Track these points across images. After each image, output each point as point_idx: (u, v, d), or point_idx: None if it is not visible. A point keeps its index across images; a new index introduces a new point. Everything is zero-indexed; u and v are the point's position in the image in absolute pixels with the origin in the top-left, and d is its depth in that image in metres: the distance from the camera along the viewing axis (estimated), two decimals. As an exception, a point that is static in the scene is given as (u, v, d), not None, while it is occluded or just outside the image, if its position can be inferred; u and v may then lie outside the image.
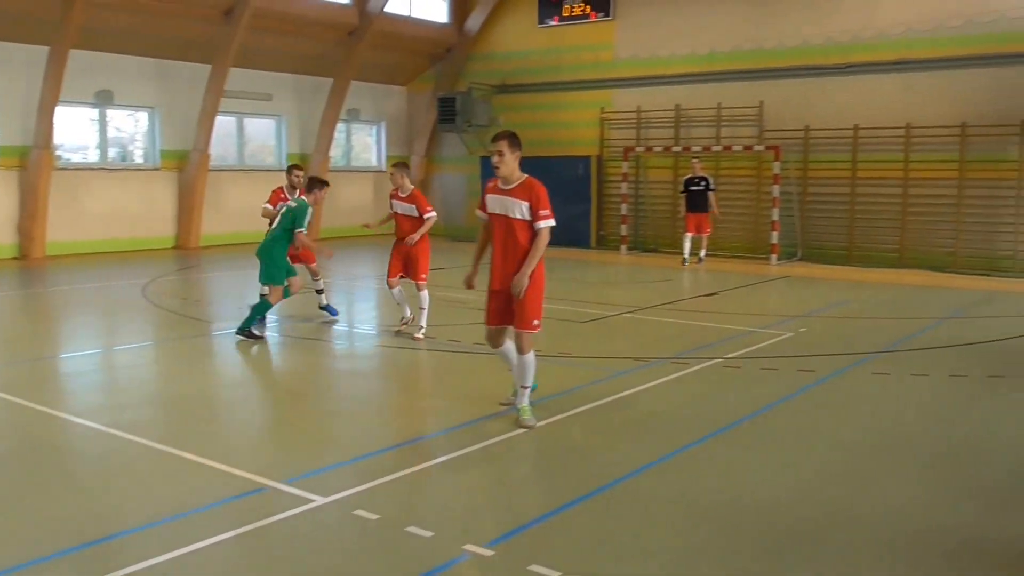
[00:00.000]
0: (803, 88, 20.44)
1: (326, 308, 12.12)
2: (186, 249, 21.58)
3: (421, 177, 27.24)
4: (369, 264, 19.52)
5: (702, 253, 19.33)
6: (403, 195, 11.10)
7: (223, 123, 22.53)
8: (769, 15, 20.85)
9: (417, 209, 11.00)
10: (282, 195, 11.71)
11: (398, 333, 11.03)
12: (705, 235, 19.27)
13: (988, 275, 17.74)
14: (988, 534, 5.19)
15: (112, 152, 21.55)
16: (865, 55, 19.61)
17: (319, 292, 12.20)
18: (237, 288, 14.90)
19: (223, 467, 6.12)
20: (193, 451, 6.43)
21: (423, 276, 10.98)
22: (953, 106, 18.66)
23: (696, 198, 18.97)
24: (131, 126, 22.04)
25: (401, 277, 11.08)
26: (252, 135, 24.40)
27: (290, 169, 11.98)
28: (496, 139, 7.28)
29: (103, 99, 20.50)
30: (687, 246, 19.18)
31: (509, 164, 7.23)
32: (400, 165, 11.24)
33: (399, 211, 11.13)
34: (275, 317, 12.28)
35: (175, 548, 4.78)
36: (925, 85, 18.99)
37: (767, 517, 5.37)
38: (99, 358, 10.15)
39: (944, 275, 17.91)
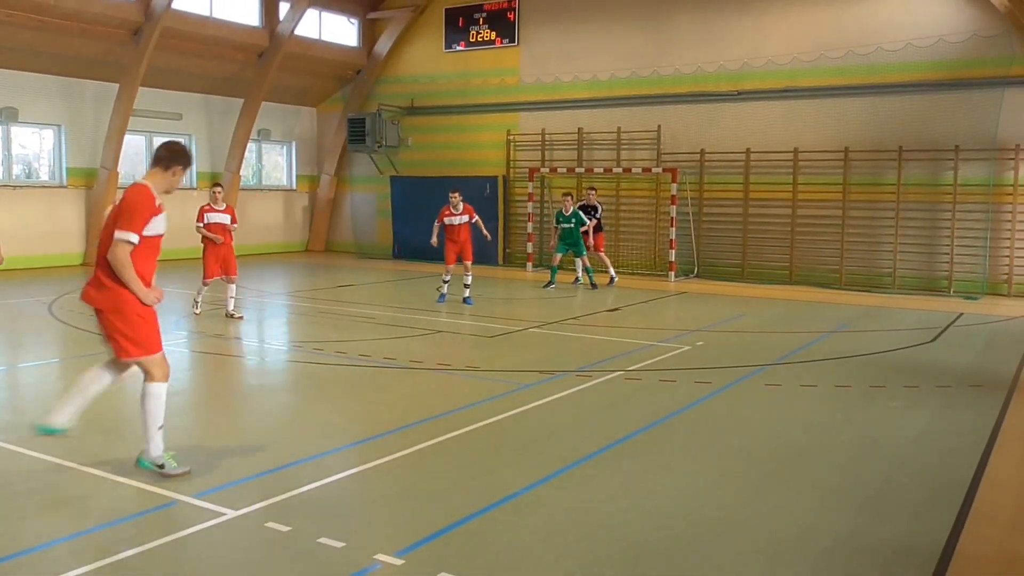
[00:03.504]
0: (698, 113, 21.31)
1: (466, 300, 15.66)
2: (94, 266, 21.33)
3: (331, 196, 27.51)
4: (279, 281, 19.69)
5: (612, 271, 19.40)
6: (457, 211, 15.40)
7: (132, 141, 22.48)
8: (665, 44, 21.69)
9: (469, 218, 15.54)
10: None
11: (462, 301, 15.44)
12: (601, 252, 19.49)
13: (869, 291, 18.68)
14: (865, 535, 5.42)
15: (16, 169, 21.32)
16: (755, 83, 20.57)
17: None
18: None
19: (131, 482, 6.10)
20: (100, 467, 6.40)
21: (471, 259, 15.71)
22: (836, 132, 19.70)
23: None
24: (36, 143, 21.82)
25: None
26: (161, 154, 24.28)
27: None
28: None
29: (7, 116, 20.29)
30: (606, 260, 19.43)
31: None
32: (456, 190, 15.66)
33: (456, 223, 15.41)
34: (186, 332, 12.48)
35: (83, 564, 4.78)
36: (810, 112, 20.03)
37: (664, 523, 5.56)
38: (3, 376, 9.97)
39: (830, 291, 18.76)
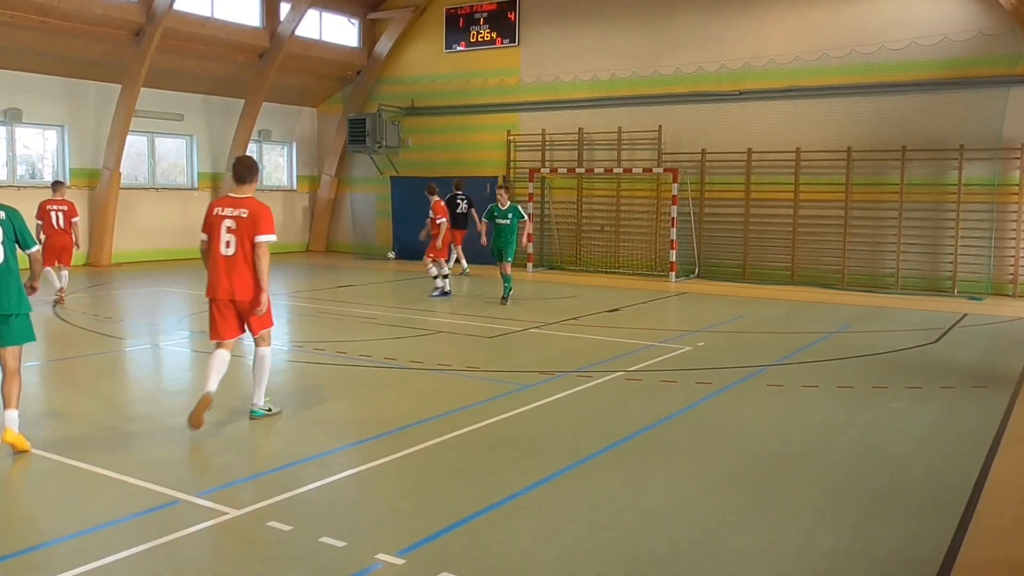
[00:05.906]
0: (699, 113, 21.27)
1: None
2: (98, 266, 21.41)
3: (331, 196, 27.50)
4: (280, 281, 19.65)
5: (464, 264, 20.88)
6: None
7: (134, 142, 22.49)
8: (666, 44, 21.66)
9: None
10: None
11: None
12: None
13: (872, 291, 18.64)
14: (866, 539, 5.39)
15: (20, 170, 21.30)
16: (756, 83, 20.53)
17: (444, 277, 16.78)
18: (150, 305, 14.90)
19: (135, 481, 6.13)
20: (104, 466, 6.43)
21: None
22: (839, 132, 19.65)
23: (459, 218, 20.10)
24: (40, 144, 21.81)
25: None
26: (163, 154, 24.32)
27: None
28: None
29: (11, 117, 20.30)
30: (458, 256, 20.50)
31: None
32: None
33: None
34: (188, 332, 12.45)
35: (86, 562, 4.81)
36: (813, 112, 19.98)
37: (665, 524, 5.57)
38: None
39: (832, 291, 18.72)
